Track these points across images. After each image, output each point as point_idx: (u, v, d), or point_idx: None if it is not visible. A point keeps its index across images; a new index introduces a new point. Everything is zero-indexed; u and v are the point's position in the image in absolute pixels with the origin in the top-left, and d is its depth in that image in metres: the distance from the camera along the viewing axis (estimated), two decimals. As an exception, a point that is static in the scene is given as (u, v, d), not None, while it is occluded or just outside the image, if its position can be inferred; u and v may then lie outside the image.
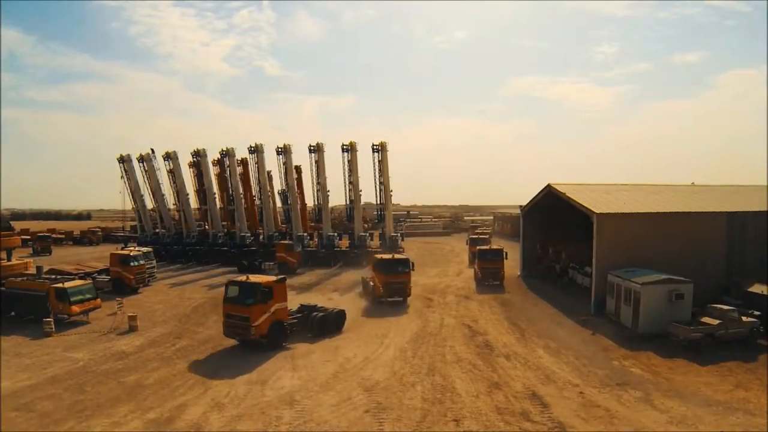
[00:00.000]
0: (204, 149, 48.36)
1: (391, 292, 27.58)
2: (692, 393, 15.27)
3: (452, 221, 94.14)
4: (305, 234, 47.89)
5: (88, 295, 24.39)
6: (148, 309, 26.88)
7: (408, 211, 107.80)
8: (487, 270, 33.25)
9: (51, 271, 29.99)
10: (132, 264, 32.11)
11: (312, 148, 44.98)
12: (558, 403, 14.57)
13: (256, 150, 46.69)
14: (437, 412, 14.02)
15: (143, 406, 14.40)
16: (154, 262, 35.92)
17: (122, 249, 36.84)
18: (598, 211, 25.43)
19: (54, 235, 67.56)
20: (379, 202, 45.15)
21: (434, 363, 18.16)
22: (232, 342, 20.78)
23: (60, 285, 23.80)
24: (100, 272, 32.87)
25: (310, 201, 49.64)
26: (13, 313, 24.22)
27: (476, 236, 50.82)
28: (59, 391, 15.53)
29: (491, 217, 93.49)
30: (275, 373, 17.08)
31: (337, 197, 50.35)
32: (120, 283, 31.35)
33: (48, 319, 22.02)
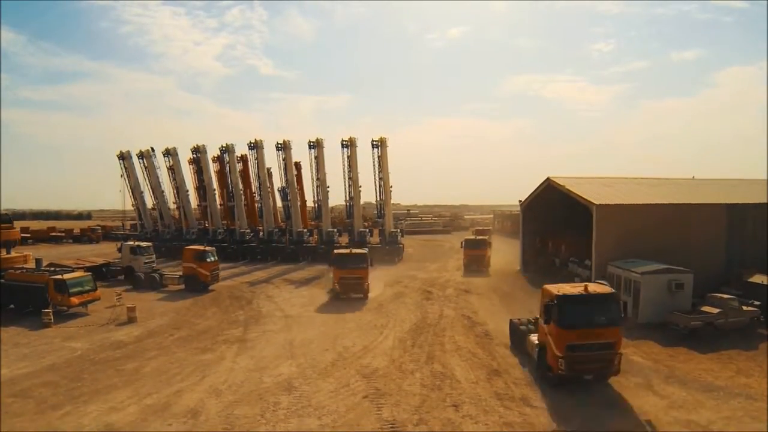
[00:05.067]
0: (204, 145, 48.40)
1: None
2: (693, 379, 15.21)
3: (452, 220, 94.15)
4: (305, 230, 47.82)
5: (87, 287, 24.33)
6: (147, 301, 26.82)
7: (408, 210, 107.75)
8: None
9: (50, 265, 29.94)
10: (208, 260, 30.54)
11: (312, 144, 44.94)
12: (558, 389, 14.47)
13: (256, 146, 46.63)
14: (436, 397, 13.96)
15: (140, 392, 14.35)
16: (154, 256, 35.78)
17: (123, 245, 36.69)
18: (597, 203, 25.36)
19: (54, 234, 67.68)
20: (378, 199, 45.06)
21: (433, 352, 18.10)
22: (230, 332, 20.82)
23: (59, 276, 23.74)
24: (101, 266, 32.94)
25: (310, 199, 49.56)
26: (12, 306, 24.14)
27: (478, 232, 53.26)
28: (57, 379, 15.48)
29: (491, 216, 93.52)
30: (274, 361, 17.04)
31: (337, 197, 50.34)
32: (194, 279, 30.01)
33: (47, 310, 21.95)
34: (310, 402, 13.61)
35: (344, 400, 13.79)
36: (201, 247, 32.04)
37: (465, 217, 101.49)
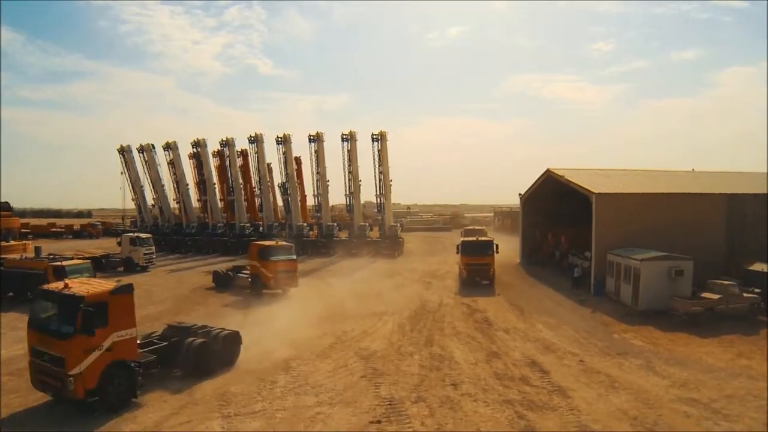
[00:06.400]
0: (204, 139, 48.46)
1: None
2: (694, 361, 15.12)
3: (452, 218, 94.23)
4: (305, 224, 47.77)
5: (86, 274, 24.18)
6: (145, 290, 26.67)
7: (408, 208, 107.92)
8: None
9: (49, 255, 29.88)
10: (272, 258, 24.70)
11: (312, 137, 44.98)
12: (558, 369, 14.42)
13: (256, 140, 46.64)
14: (435, 377, 13.88)
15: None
16: (154, 248, 35.80)
17: (123, 236, 36.71)
18: (597, 192, 25.27)
19: (54, 229, 67.69)
20: (378, 192, 45.05)
21: (432, 336, 18.04)
22: (230, 318, 20.71)
23: (58, 263, 23.67)
24: (100, 258, 32.94)
25: (310, 195, 49.48)
26: (11, 294, 24.04)
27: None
28: (53, 359, 15.37)
29: (491, 214, 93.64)
30: (272, 344, 16.87)
31: (338, 196, 50.36)
32: (257, 280, 25.23)
33: (44, 296, 21.84)
34: (308, 381, 13.53)
35: (342, 379, 13.72)
36: (267, 243, 26.70)
37: (465, 215, 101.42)
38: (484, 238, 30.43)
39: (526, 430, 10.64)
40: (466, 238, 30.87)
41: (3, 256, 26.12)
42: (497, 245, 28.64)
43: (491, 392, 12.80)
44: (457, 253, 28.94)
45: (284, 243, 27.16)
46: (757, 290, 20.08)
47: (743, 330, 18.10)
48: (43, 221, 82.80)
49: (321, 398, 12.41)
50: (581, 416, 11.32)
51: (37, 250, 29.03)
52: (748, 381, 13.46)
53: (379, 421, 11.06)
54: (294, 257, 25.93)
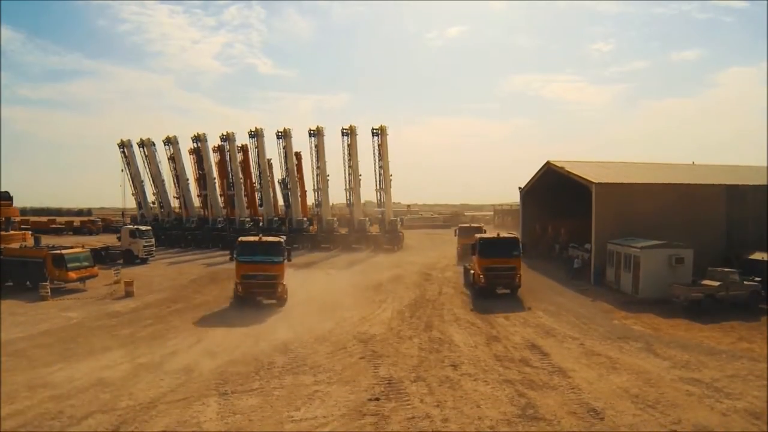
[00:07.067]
0: (204, 134, 48.32)
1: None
2: (695, 344, 15.04)
3: (452, 216, 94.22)
4: (305, 219, 47.65)
5: (85, 263, 24.22)
6: (145, 280, 26.62)
7: (408, 207, 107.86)
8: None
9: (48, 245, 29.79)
10: (242, 259, 19.49)
11: (312, 132, 44.93)
12: (558, 352, 14.35)
13: (257, 134, 46.54)
14: (434, 359, 13.82)
15: (134, 353, 14.20)
16: (153, 240, 35.72)
17: (123, 228, 36.64)
18: (596, 181, 25.18)
19: (54, 225, 67.60)
20: (378, 187, 45.02)
21: (432, 321, 17.98)
22: (228, 306, 20.61)
23: (57, 252, 23.63)
24: (100, 250, 32.90)
25: (310, 191, 49.32)
26: (10, 283, 23.96)
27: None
28: (51, 341, 15.37)
29: (492, 213, 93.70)
30: (270, 328, 16.90)
31: (337, 192, 50.26)
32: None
33: (44, 284, 21.82)
34: (306, 362, 13.45)
35: (341, 360, 13.66)
36: (247, 238, 21.47)
37: (465, 214, 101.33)
38: (507, 235, 24.35)
39: (527, 406, 10.56)
40: (484, 236, 24.88)
41: (3, 245, 26.00)
42: (524, 244, 23.69)
43: (491, 372, 12.73)
44: (472, 254, 23.15)
45: (269, 239, 21.29)
46: (757, 278, 19.97)
47: (744, 317, 17.98)
48: (44, 218, 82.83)
49: (319, 378, 12.33)
50: (582, 395, 11.23)
51: (37, 239, 29.00)
52: (750, 362, 13.37)
53: (377, 399, 10.98)
54: (279, 259, 19.67)
